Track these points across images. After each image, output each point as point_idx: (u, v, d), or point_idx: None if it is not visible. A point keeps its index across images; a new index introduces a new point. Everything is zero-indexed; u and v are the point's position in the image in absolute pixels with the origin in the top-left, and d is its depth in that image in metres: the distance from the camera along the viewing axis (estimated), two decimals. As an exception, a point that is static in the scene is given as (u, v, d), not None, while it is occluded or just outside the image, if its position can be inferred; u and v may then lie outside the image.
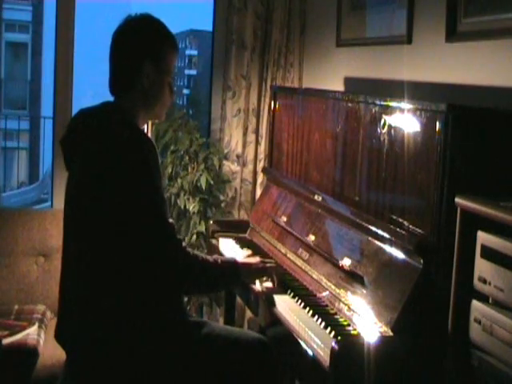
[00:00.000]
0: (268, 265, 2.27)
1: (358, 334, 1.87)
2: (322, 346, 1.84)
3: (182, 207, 3.28)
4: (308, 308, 2.08)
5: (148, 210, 1.87)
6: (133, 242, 1.87)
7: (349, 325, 1.95)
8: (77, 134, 2.00)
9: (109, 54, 2.04)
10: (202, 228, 3.26)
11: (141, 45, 2.00)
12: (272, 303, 2.18)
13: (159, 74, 2.02)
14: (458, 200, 1.67)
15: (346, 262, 2.11)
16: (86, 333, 1.91)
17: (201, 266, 1.98)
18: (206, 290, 2.63)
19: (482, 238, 1.60)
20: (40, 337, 2.64)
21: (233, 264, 2.11)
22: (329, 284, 2.16)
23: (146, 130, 2.84)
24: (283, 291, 2.23)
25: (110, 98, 2.06)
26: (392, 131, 2.04)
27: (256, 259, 2.27)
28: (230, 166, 3.50)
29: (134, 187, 1.86)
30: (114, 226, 1.87)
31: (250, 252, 2.48)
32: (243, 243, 2.75)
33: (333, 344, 1.76)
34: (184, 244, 1.95)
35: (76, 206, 1.95)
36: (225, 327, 2.35)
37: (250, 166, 3.53)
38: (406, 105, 1.98)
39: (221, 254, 2.66)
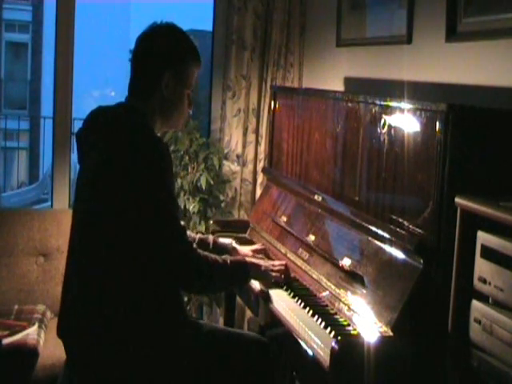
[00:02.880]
0: (277, 267, 2.27)
1: (358, 334, 1.87)
2: (322, 345, 1.84)
3: (182, 207, 3.28)
4: (308, 308, 2.08)
5: (159, 212, 1.88)
6: (141, 243, 1.87)
7: (349, 325, 1.95)
8: (93, 130, 2.01)
9: (131, 56, 2.05)
10: (202, 228, 3.26)
11: (163, 55, 2.01)
12: (272, 303, 2.18)
13: (179, 85, 2.03)
14: (457, 200, 1.67)
15: (346, 262, 2.11)
16: (86, 332, 1.91)
17: (210, 268, 1.98)
18: (214, 291, 2.75)
19: (482, 238, 1.60)
20: (40, 337, 2.64)
21: (242, 265, 2.12)
22: (329, 284, 2.16)
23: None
24: (283, 291, 2.23)
25: (111, 99, 2.06)
26: (392, 131, 2.04)
27: (268, 262, 2.28)
28: (229, 166, 3.50)
29: (147, 190, 1.87)
30: (124, 226, 1.87)
31: (258, 247, 2.51)
32: (243, 243, 2.75)
33: (333, 344, 1.76)
34: (194, 246, 1.96)
35: (87, 204, 1.96)
36: (224, 328, 2.35)
37: (250, 166, 3.53)
38: (405, 105, 1.98)
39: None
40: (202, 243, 2.39)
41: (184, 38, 2.07)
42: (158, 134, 2.05)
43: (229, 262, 2.05)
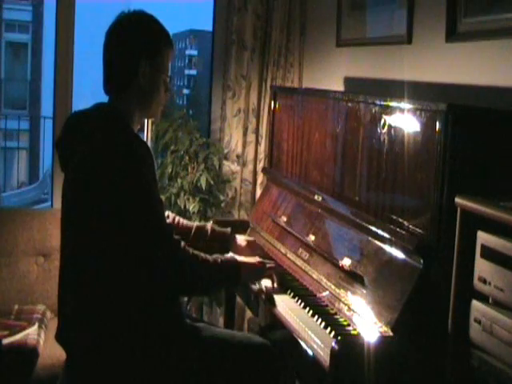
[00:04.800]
0: (268, 265, 2.25)
1: (358, 334, 1.87)
2: (322, 346, 1.84)
3: (182, 207, 3.28)
4: (308, 308, 2.08)
5: (143, 213, 1.85)
6: (130, 245, 1.86)
7: (349, 325, 1.95)
8: (71, 136, 1.99)
9: (102, 53, 2.00)
10: (202, 228, 3.26)
11: (134, 43, 1.97)
12: (272, 303, 2.18)
13: (155, 72, 1.99)
14: (457, 200, 1.67)
15: (346, 262, 2.11)
16: (85, 333, 1.90)
17: (200, 266, 1.96)
18: (205, 291, 2.52)
19: (482, 238, 1.60)
20: (40, 337, 2.64)
21: (234, 264, 2.08)
22: (329, 284, 2.16)
23: (145, 130, 2.84)
24: (283, 291, 2.23)
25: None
26: (392, 131, 2.04)
27: (255, 259, 2.25)
28: (229, 166, 3.50)
29: (128, 193, 1.84)
30: (110, 229, 1.86)
31: (251, 238, 2.49)
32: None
33: (333, 344, 1.76)
34: (183, 244, 1.93)
35: (72, 209, 1.95)
36: (225, 331, 2.34)
37: (250, 166, 3.53)
38: (405, 105, 1.98)
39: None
40: (200, 232, 2.37)
41: (154, 23, 2.03)
42: (138, 128, 2.03)
43: (219, 261, 2.01)
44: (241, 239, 2.45)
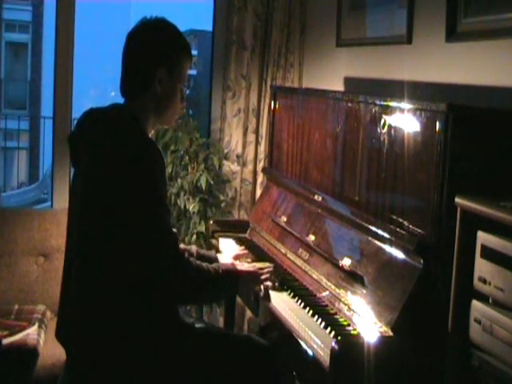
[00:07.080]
0: (266, 270, 2.23)
1: (358, 334, 1.87)
2: (322, 346, 1.84)
3: (182, 207, 3.28)
4: (308, 308, 2.08)
5: (150, 221, 1.85)
6: (134, 250, 1.86)
7: (349, 325, 1.95)
8: (85, 133, 1.99)
9: (122, 55, 2.02)
10: (202, 228, 3.26)
11: (156, 50, 1.99)
12: (272, 303, 2.18)
13: (172, 80, 2.00)
14: (457, 200, 1.67)
15: (346, 262, 2.11)
16: (86, 333, 1.91)
17: (202, 278, 1.95)
18: (205, 301, 2.76)
19: (482, 238, 1.60)
20: (40, 337, 2.64)
21: (232, 275, 2.07)
22: (329, 284, 2.16)
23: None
24: (283, 291, 2.23)
25: (111, 99, 2.05)
26: (392, 131, 2.04)
27: (254, 266, 2.24)
28: (229, 166, 3.50)
29: (138, 198, 1.85)
30: (116, 231, 1.86)
31: (244, 250, 2.51)
32: (243, 243, 2.76)
33: (333, 344, 1.76)
34: (187, 255, 1.93)
35: (79, 208, 1.95)
36: (227, 331, 2.34)
37: (250, 166, 3.54)
38: (406, 105, 1.98)
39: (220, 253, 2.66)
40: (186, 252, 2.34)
41: (175, 32, 2.05)
42: (152, 132, 2.04)
43: (220, 271, 2.00)
44: (227, 257, 2.44)
